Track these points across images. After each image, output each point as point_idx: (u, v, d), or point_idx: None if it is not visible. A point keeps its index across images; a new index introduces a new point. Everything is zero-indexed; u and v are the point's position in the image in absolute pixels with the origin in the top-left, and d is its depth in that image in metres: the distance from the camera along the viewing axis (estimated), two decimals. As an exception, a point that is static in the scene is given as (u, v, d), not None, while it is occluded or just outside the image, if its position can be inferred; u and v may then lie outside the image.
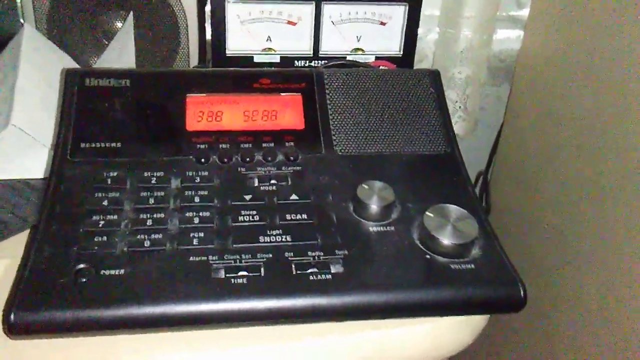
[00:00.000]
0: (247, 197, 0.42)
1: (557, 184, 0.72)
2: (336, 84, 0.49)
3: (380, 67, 0.61)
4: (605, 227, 0.61)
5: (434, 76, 0.51)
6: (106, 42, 0.65)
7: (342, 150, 0.46)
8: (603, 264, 0.61)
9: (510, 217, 0.86)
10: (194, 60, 0.68)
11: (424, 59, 0.86)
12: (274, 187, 0.43)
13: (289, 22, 0.61)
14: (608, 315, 0.60)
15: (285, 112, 0.48)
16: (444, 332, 0.39)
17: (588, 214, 0.65)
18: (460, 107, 0.81)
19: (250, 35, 0.61)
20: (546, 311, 0.72)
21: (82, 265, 0.36)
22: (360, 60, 0.62)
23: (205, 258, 0.38)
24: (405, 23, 0.62)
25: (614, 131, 0.60)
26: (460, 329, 0.40)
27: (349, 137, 0.47)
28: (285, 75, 0.50)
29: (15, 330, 0.34)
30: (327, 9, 0.60)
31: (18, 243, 0.44)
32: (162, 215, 0.40)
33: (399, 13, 0.61)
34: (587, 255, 0.65)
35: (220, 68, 0.59)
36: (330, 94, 0.49)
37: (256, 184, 0.43)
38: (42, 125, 0.52)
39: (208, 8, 0.63)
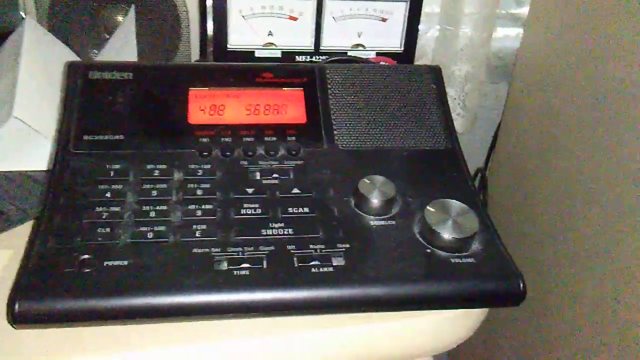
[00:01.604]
0: (250, 191, 0.42)
1: (554, 180, 0.73)
2: (338, 79, 0.50)
3: (381, 63, 0.61)
4: (603, 224, 0.62)
5: (435, 72, 0.51)
6: (107, 36, 0.65)
7: (344, 145, 0.47)
8: (600, 260, 0.62)
9: (508, 213, 0.86)
10: (194, 54, 0.68)
11: (423, 56, 0.86)
12: (276, 181, 0.43)
13: (291, 18, 0.61)
14: (605, 311, 0.61)
15: (287, 106, 0.48)
16: (443, 325, 0.40)
17: (585, 211, 0.65)
18: (459, 104, 0.81)
19: (251, 30, 0.61)
20: (543, 306, 0.73)
21: (85, 256, 0.36)
22: (361, 56, 0.62)
23: (208, 250, 0.38)
24: (406, 19, 0.62)
25: (611, 128, 0.61)
26: (459, 322, 0.40)
27: (351, 132, 0.47)
28: (287, 70, 0.50)
29: (19, 320, 0.34)
30: (329, 5, 0.61)
31: (19, 234, 0.44)
32: (165, 207, 0.40)
33: (399, 9, 0.62)
34: (584, 251, 0.65)
35: (223, 62, 0.59)
36: (332, 89, 0.49)
37: (258, 178, 0.43)
38: (44, 117, 0.52)
39: (209, 2, 0.63)
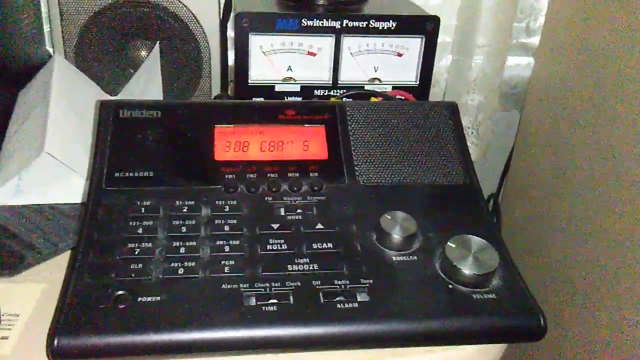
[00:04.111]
0: (275, 226, 0.44)
1: (566, 207, 0.74)
2: (358, 115, 0.51)
3: (398, 97, 0.63)
4: (617, 251, 0.62)
5: (452, 108, 0.52)
6: (132, 71, 0.67)
7: (365, 181, 0.48)
8: (615, 288, 0.63)
9: (521, 239, 0.87)
10: (215, 88, 0.70)
11: (435, 85, 0.88)
12: (300, 217, 0.45)
13: (309, 53, 0.63)
14: (620, 339, 0.61)
15: (309, 143, 0.50)
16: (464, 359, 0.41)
17: (599, 237, 0.66)
18: (472, 132, 0.82)
19: (271, 65, 0.63)
20: (556, 335, 0.73)
21: (120, 292, 0.38)
22: (378, 90, 0.64)
23: (237, 286, 0.39)
24: (422, 55, 0.64)
25: (624, 154, 0.62)
26: (479, 357, 0.41)
27: (371, 168, 0.49)
28: (309, 107, 0.52)
29: (58, 355, 0.35)
30: (346, 41, 0.63)
31: (50, 268, 0.46)
32: (194, 243, 0.42)
33: (415, 45, 0.64)
34: (599, 278, 0.66)
35: (246, 100, 0.61)
36: (353, 126, 0.51)
37: (283, 213, 0.45)
38: (74, 153, 0.54)
39: (231, 38, 0.65)
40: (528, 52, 0.89)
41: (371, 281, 0.40)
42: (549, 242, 0.79)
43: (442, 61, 0.88)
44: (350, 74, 0.64)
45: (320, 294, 0.39)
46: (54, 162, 0.52)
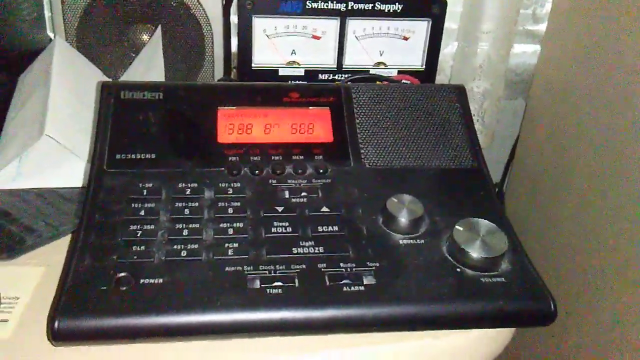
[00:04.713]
0: (279, 209, 0.43)
1: (571, 195, 0.73)
2: (364, 98, 0.50)
3: (403, 81, 0.62)
4: (621, 239, 0.62)
5: (460, 91, 0.52)
6: (134, 55, 0.66)
7: (370, 164, 0.47)
8: (619, 276, 0.62)
9: (526, 228, 0.86)
10: (218, 72, 0.69)
11: (441, 72, 0.87)
12: (305, 199, 0.44)
13: (314, 37, 0.62)
14: (625, 328, 0.61)
15: (314, 125, 0.49)
16: (472, 344, 0.40)
17: (603, 226, 0.65)
18: (478, 120, 0.81)
19: (275, 48, 0.62)
20: (562, 322, 0.72)
21: (122, 274, 0.37)
22: (383, 74, 0.63)
23: (241, 268, 0.38)
24: (428, 38, 0.63)
25: (630, 144, 0.61)
26: (488, 341, 0.40)
27: (377, 151, 0.48)
28: (313, 89, 0.51)
29: (59, 337, 0.34)
30: (351, 24, 0.62)
31: (51, 251, 0.45)
32: (197, 225, 0.41)
33: (421, 28, 0.63)
34: (603, 267, 0.65)
35: (250, 82, 0.60)
36: (358, 108, 0.50)
37: (287, 196, 0.44)
38: (75, 135, 0.54)
39: (234, 22, 0.64)
40: (534, 40, 0.88)
41: (377, 264, 0.40)
42: (554, 230, 0.78)
43: (448, 48, 0.86)
44: (355, 58, 0.63)
45: (326, 276, 0.38)
46: (55, 145, 0.52)
